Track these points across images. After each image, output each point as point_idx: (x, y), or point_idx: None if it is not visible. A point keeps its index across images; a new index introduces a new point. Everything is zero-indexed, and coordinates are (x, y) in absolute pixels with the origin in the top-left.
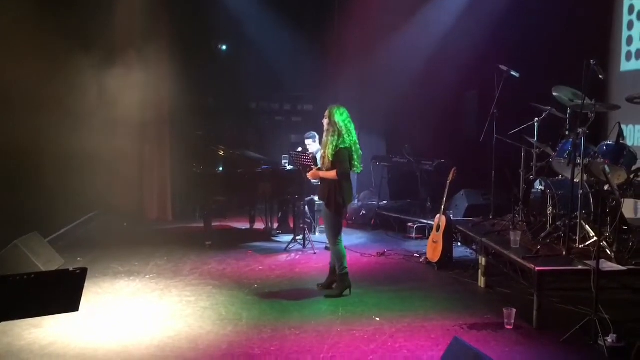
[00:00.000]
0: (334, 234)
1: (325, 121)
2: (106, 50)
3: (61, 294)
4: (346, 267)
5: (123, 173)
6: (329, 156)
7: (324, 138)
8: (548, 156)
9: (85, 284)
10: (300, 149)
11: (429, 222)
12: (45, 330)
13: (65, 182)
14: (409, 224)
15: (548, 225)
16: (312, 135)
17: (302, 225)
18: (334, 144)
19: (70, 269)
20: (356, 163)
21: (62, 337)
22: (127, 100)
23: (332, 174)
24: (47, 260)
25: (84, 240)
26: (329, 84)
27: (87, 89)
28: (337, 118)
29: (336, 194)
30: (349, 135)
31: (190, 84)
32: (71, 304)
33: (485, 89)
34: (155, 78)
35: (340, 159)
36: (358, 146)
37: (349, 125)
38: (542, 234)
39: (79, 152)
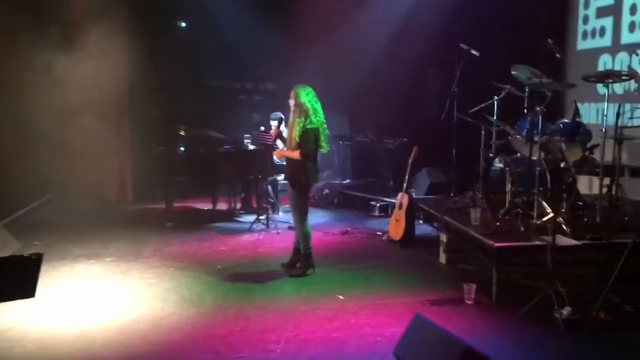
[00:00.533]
0: (300, 214)
1: (292, 102)
2: (62, 29)
3: (16, 280)
4: (310, 247)
5: (81, 154)
6: (296, 137)
7: (290, 119)
8: (507, 134)
9: (44, 268)
10: (262, 129)
11: (391, 200)
12: (2, 315)
13: (21, 164)
14: (372, 203)
15: (507, 202)
16: (278, 116)
17: (265, 205)
18: (301, 124)
19: (26, 254)
20: (323, 143)
21: (19, 322)
22: (84, 80)
23: (297, 154)
24: (1, 244)
25: (41, 223)
26: (291, 63)
27: (42, 68)
28: (303, 98)
29: (302, 174)
30: (315, 116)
31: (149, 62)
32: (27, 291)
33: (446, 68)
34: (113, 57)
35: (306, 138)
36: (325, 126)
37: (315, 105)
38: (501, 211)
39: (34, 132)
